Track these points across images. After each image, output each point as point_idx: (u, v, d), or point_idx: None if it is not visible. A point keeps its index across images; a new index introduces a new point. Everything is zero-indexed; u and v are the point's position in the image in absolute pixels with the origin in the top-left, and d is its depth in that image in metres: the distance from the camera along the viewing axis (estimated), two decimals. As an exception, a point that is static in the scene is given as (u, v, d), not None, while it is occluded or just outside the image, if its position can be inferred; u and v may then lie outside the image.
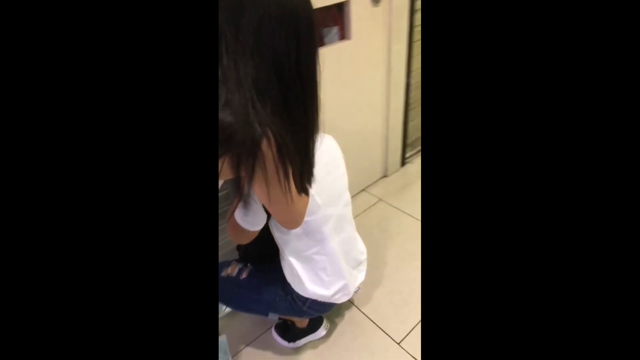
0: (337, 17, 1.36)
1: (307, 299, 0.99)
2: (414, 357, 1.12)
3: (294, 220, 0.82)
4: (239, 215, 0.92)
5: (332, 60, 1.37)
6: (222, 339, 1.07)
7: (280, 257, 1.01)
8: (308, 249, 0.95)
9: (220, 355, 0.78)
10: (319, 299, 0.99)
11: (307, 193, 0.78)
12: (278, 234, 0.95)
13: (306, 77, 0.64)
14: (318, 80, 0.67)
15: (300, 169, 0.71)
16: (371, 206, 1.74)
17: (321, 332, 1.18)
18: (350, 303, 1.30)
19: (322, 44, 1.35)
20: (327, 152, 0.97)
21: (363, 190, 1.85)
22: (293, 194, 0.72)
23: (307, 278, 0.97)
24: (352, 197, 1.81)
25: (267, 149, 0.59)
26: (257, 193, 0.72)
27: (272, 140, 0.59)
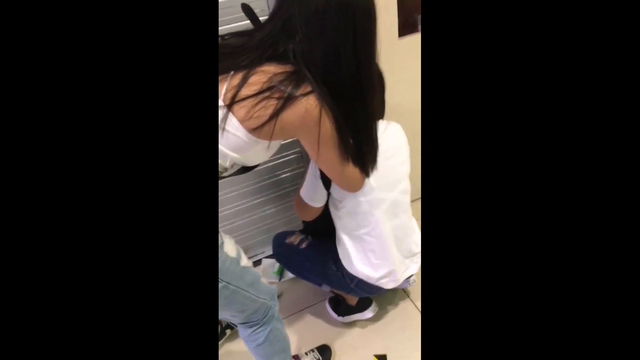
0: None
1: (354, 277, 1.03)
2: (461, 363, 1.07)
3: (350, 185, 0.86)
4: (303, 190, 1.01)
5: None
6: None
7: (336, 234, 1.07)
8: (359, 228, 0.98)
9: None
10: (365, 279, 1.02)
11: (362, 167, 0.81)
12: (333, 210, 1.01)
13: (364, 64, 0.67)
14: (375, 68, 0.70)
15: (357, 142, 0.75)
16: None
17: (368, 313, 1.20)
18: (405, 294, 1.29)
19: (417, 30, 1.33)
20: (390, 138, 0.98)
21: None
22: (349, 161, 0.75)
23: (356, 256, 1.01)
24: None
25: (325, 114, 0.65)
26: (307, 148, 0.75)
27: (328, 109, 0.64)
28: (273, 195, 1.44)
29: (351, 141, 0.73)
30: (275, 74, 0.62)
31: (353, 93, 0.68)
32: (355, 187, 0.87)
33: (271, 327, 0.88)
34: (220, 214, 1.37)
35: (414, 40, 1.27)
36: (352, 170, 0.79)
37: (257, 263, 1.52)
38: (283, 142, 0.84)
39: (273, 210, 1.47)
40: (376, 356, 1.13)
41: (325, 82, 0.64)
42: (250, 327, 0.86)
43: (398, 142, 1.00)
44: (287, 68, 0.63)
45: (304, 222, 1.29)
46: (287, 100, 0.62)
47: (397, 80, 1.33)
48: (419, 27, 1.32)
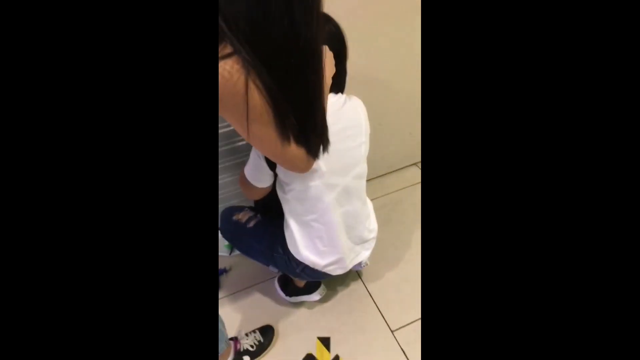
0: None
1: (300, 262, 0.97)
2: (403, 350, 1.06)
3: (295, 166, 0.75)
4: (246, 169, 0.91)
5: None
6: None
7: (284, 218, 0.99)
8: (306, 214, 0.91)
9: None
10: (311, 265, 0.96)
11: (308, 148, 0.70)
12: (280, 193, 0.92)
13: (301, 21, 0.53)
14: (319, 28, 0.57)
15: (299, 119, 0.63)
16: (417, 183, 1.60)
17: (315, 296, 1.17)
18: (357, 276, 1.26)
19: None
20: (347, 118, 0.88)
21: (415, 164, 1.70)
22: (290, 140, 0.65)
23: (302, 243, 0.94)
24: (401, 169, 1.69)
25: (252, 84, 0.54)
26: (235, 126, 0.65)
27: (256, 77, 0.53)
28: (228, 163, 1.34)
29: (292, 118, 0.61)
30: None
31: (288, 58, 0.55)
32: (300, 168, 0.75)
33: None
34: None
35: (398, 3, 1.14)
36: (296, 150, 0.67)
37: (208, 234, 1.45)
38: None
39: (227, 179, 1.38)
40: (320, 338, 1.11)
41: (251, 43, 0.51)
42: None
43: (358, 121, 0.90)
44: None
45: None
46: None
47: (373, 47, 1.21)
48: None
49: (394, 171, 1.68)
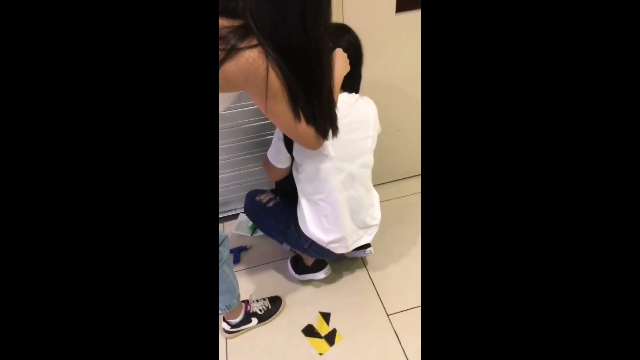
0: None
1: (308, 238, 1.11)
2: (396, 333, 1.15)
3: (306, 143, 0.87)
4: (269, 151, 1.08)
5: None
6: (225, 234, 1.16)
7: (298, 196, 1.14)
8: (315, 194, 1.04)
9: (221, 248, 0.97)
10: (317, 241, 1.10)
11: (317, 128, 0.83)
12: (295, 173, 1.07)
13: (312, 26, 0.68)
14: (327, 33, 0.72)
15: (310, 104, 0.77)
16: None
17: (320, 274, 1.29)
18: (362, 263, 1.37)
19: (416, 6, 1.31)
20: (358, 113, 1.02)
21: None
22: (302, 118, 0.78)
23: (310, 219, 1.08)
24: (418, 175, 1.78)
25: (271, 68, 0.68)
26: (255, 101, 0.78)
27: (274, 64, 0.67)
28: (257, 154, 1.51)
29: (302, 100, 0.75)
30: (223, 27, 0.65)
31: (299, 52, 0.70)
32: (311, 144, 0.88)
33: (219, 269, 0.97)
34: (204, 165, 1.46)
35: (412, 17, 1.27)
36: (306, 128, 0.81)
37: (234, 217, 1.62)
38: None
39: (256, 169, 1.55)
40: (321, 313, 1.23)
41: (271, 40, 0.66)
42: (199, 265, 0.95)
43: (366, 117, 1.03)
44: (235, 22, 0.66)
45: (276, 183, 1.37)
46: (230, 52, 0.65)
47: (391, 57, 1.34)
48: (419, 3, 1.31)
49: (411, 177, 1.77)
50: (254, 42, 0.66)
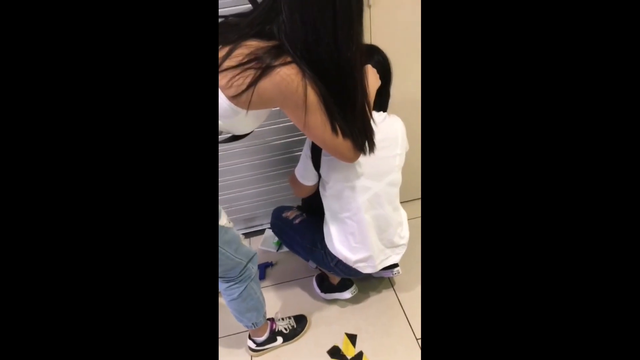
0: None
1: (335, 256, 1.09)
2: (425, 357, 1.10)
3: (342, 156, 0.87)
4: (297, 168, 1.08)
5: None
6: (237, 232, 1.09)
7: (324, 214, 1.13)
8: (342, 212, 1.04)
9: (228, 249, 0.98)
10: (344, 260, 1.08)
11: (354, 142, 0.83)
12: (321, 191, 1.07)
13: (343, 46, 0.69)
14: (358, 52, 0.72)
15: (345, 119, 0.78)
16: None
17: (346, 294, 1.26)
18: (389, 283, 1.33)
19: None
20: (386, 130, 1.01)
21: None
22: (338, 132, 0.78)
23: (336, 237, 1.07)
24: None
25: (308, 81, 0.69)
26: (292, 118, 0.79)
27: (313, 84, 0.69)
28: (285, 170, 1.53)
29: (337, 115, 0.76)
30: (259, 48, 0.67)
31: (333, 73, 0.71)
32: (348, 157, 0.87)
33: (246, 286, 0.97)
34: (232, 181, 1.49)
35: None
36: (342, 141, 0.81)
37: (261, 232, 1.63)
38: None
39: (283, 185, 1.56)
40: (347, 334, 1.20)
41: (305, 59, 0.68)
42: (227, 282, 0.96)
43: (395, 135, 1.02)
44: (271, 43, 0.68)
45: (302, 200, 1.37)
46: (265, 70, 0.66)
47: (419, 75, 1.33)
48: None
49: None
50: (289, 59, 0.68)
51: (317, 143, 0.85)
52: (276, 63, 0.67)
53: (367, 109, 0.82)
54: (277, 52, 0.67)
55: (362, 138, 0.84)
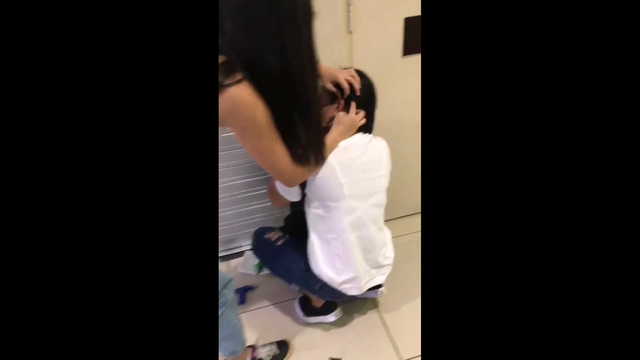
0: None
1: (319, 279, 1.07)
2: (411, 379, 1.09)
3: (283, 179, 0.89)
4: (278, 184, 1.07)
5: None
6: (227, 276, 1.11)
7: (308, 234, 1.11)
8: (327, 232, 1.02)
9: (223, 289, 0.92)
10: (329, 282, 1.06)
11: (300, 161, 0.83)
12: (306, 209, 1.05)
13: (292, 57, 0.69)
14: (308, 64, 0.73)
15: (296, 139, 0.79)
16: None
17: (330, 317, 1.24)
18: (374, 304, 1.32)
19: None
20: (371, 152, 1.02)
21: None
22: (286, 156, 0.79)
23: (321, 258, 1.05)
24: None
25: (258, 102, 0.68)
26: (237, 136, 0.77)
27: (263, 101, 0.68)
28: (263, 191, 1.50)
29: (288, 133, 0.75)
30: None
31: (283, 82, 0.70)
32: (288, 182, 0.90)
33: (222, 313, 0.92)
34: (211, 202, 1.44)
35: (419, 60, 1.31)
36: (286, 165, 0.81)
37: (240, 254, 1.58)
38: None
39: (264, 205, 1.53)
40: (331, 359, 1.16)
41: (250, 69, 0.67)
42: (204, 308, 0.91)
43: (379, 156, 1.04)
44: (221, 59, 0.66)
45: (284, 220, 1.35)
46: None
47: (400, 98, 1.38)
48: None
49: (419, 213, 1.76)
50: (239, 77, 0.66)
51: (258, 162, 0.83)
52: (227, 82, 0.66)
53: (319, 125, 0.82)
54: (226, 70, 0.66)
55: (310, 153, 0.83)
